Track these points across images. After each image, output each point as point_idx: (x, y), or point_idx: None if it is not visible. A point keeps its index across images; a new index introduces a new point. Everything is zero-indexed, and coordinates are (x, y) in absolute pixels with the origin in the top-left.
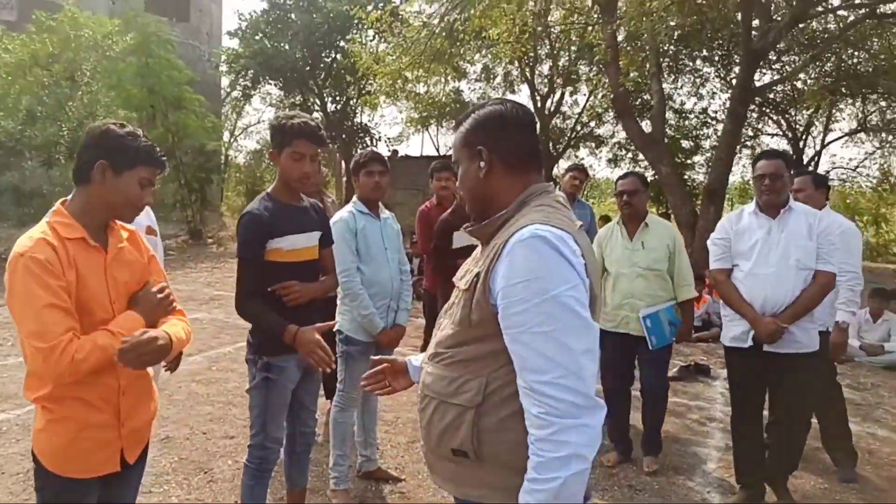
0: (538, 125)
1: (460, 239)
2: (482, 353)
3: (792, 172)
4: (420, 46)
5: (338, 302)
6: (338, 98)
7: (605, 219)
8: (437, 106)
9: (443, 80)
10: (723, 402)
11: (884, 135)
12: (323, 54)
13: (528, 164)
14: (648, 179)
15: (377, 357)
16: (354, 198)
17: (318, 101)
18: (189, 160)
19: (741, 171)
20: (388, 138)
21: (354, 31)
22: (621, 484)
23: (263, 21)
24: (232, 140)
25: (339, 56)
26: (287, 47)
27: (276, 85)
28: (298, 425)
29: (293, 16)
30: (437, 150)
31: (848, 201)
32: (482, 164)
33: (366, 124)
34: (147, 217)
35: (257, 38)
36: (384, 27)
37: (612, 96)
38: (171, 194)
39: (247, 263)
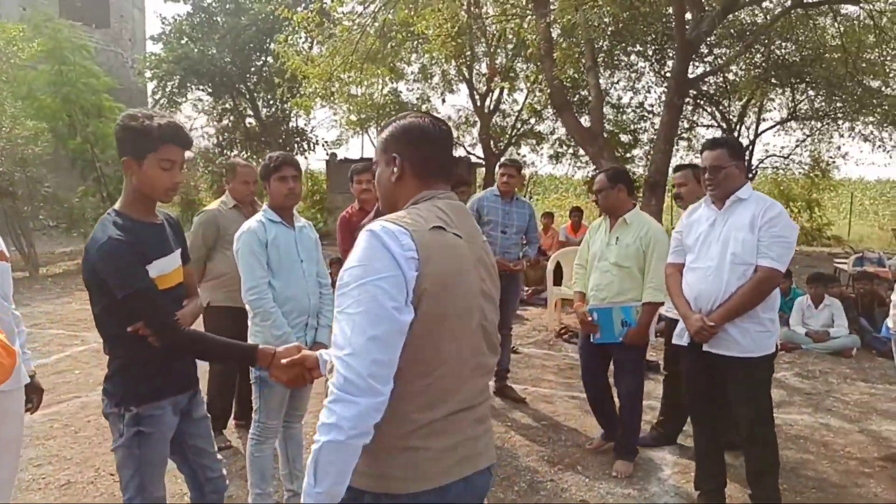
0: (454, 139)
1: None
2: None
3: (742, 161)
4: (351, 46)
5: (248, 322)
6: (271, 102)
7: (549, 216)
8: (375, 108)
9: (379, 81)
10: None
11: (813, 122)
12: (253, 57)
13: (434, 174)
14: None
15: (285, 354)
16: (264, 206)
17: (250, 106)
18: (111, 172)
19: (678, 162)
20: (326, 142)
21: (284, 33)
22: (573, 497)
23: (188, 24)
24: None
25: (269, 59)
26: (214, 51)
27: (204, 90)
28: (202, 473)
29: (219, 19)
30: None
31: (782, 188)
32: (395, 169)
33: (302, 128)
34: None
35: (182, 42)
36: (312, 27)
37: (548, 91)
38: (93, 208)
39: (145, 292)
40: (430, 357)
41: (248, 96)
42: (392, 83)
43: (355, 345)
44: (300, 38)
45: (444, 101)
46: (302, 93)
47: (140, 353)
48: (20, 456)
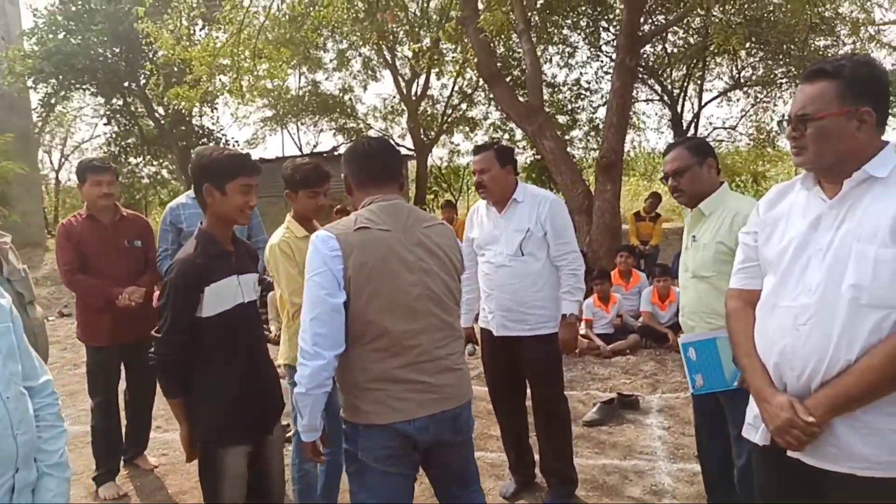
0: (391, 148)
1: None
2: None
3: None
4: (253, 30)
5: None
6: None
7: (450, 206)
8: (292, 101)
9: (296, 72)
10: (667, 455)
11: (759, 89)
12: (145, 49)
13: (371, 183)
14: (521, 158)
15: None
16: None
17: (143, 105)
18: None
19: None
20: (237, 142)
21: (151, 8)
22: None
23: (62, 14)
24: (63, 161)
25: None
26: (95, 43)
27: (86, 90)
28: None
29: (94, 4)
30: (300, 148)
31: (727, 162)
32: (347, 187)
33: (209, 128)
34: None
35: (60, 36)
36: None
37: (475, 61)
38: None
39: None
40: (372, 325)
41: (139, 93)
42: (310, 73)
43: (303, 323)
44: (197, 25)
45: (365, 88)
46: (186, 80)
47: None
48: None
